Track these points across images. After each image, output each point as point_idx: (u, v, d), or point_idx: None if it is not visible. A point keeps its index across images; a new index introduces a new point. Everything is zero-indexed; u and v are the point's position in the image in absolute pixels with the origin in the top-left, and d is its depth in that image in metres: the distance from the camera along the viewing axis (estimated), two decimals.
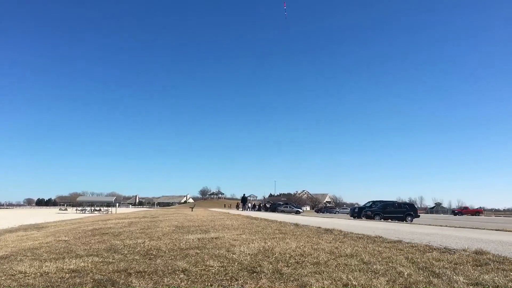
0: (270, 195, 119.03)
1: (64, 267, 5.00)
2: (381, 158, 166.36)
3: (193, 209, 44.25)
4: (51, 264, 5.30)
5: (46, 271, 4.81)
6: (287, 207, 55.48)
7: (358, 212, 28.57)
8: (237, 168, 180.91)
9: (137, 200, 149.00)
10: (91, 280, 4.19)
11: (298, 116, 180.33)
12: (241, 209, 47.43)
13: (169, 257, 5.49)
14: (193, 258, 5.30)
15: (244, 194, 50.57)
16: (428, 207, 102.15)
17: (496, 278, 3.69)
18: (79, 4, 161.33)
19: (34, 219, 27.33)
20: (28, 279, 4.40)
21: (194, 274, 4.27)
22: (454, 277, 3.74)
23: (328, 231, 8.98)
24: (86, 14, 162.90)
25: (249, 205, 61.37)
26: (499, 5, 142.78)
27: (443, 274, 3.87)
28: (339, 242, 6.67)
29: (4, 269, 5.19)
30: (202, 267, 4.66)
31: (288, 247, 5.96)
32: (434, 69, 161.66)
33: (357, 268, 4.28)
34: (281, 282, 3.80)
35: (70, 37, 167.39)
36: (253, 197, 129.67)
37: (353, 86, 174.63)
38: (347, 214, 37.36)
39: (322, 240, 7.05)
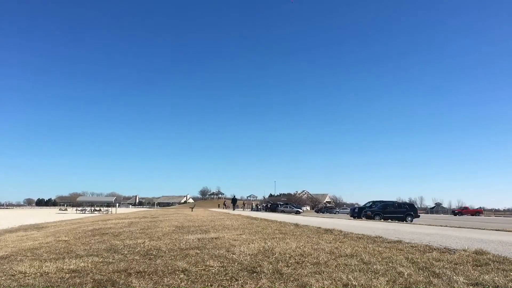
0: (270, 195, 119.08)
1: (64, 267, 5.00)
2: (381, 158, 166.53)
3: (193, 209, 44.30)
4: (51, 264, 5.31)
5: (46, 271, 4.81)
6: (287, 207, 55.49)
7: (358, 212, 28.57)
8: (237, 168, 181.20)
9: (137, 200, 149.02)
10: (91, 280, 4.19)
11: (298, 116, 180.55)
12: (231, 209, 51.02)
13: (169, 257, 5.49)
14: (193, 258, 5.30)
15: (234, 196, 58.29)
16: (428, 207, 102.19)
17: (496, 278, 3.69)
18: (79, 4, 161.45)
19: (34, 219, 27.33)
20: (28, 279, 4.40)
21: (194, 274, 4.28)
22: (454, 277, 3.74)
23: (328, 231, 8.98)
24: (86, 14, 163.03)
25: (243, 205, 63.79)
26: (499, 5, 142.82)
27: (443, 274, 3.87)
28: (339, 242, 6.67)
29: (4, 269, 5.19)
30: (202, 267, 4.66)
31: (288, 247, 5.96)
32: (434, 69, 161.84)
33: (357, 268, 4.28)
34: (281, 282, 3.80)
35: (70, 37, 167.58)
36: (253, 197, 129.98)
37: (353, 86, 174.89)
38: (347, 214, 37.36)
39: (322, 240, 7.05)
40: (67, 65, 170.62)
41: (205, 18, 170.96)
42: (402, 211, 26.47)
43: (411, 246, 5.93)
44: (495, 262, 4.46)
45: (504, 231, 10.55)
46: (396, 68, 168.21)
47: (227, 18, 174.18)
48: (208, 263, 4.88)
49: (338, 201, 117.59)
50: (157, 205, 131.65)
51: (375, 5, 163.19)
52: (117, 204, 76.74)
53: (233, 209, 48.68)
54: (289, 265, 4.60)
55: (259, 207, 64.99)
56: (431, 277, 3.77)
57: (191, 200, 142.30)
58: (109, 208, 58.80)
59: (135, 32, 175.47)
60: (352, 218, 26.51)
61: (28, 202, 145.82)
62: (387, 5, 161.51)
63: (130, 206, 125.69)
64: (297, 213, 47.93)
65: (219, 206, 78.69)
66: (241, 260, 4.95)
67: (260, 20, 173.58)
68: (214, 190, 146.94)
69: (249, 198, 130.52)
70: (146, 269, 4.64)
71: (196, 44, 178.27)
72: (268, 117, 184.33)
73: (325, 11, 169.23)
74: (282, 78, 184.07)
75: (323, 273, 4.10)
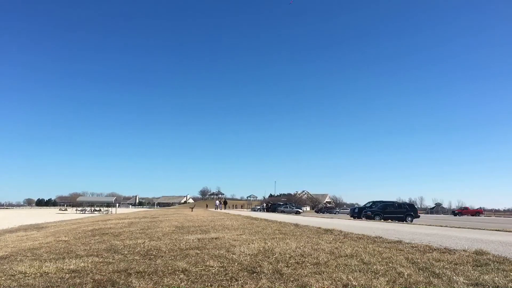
0: (270, 195, 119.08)
1: (64, 267, 5.01)
2: (381, 158, 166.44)
3: (193, 209, 44.34)
4: (51, 264, 5.31)
5: (46, 271, 4.81)
6: (287, 207, 55.51)
7: (358, 212, 28.55)
8: (237, 168, 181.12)
9: (137, 200, 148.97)
10: (91, 280, 4.19)
11: (298, 116, 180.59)
12: (218, 209, 55.51)
13: (169, 257, 5.49)
14: (193, 258, 5.31)
15: (225, 199, 70.13)
16: (428, 207, 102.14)
17: (496, 278, 3.69)
18: (80, 4, 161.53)
19: (34, 219, 27.34)
20: (28, 279, 4.40)
21: (194, 274, 4.28)
22: (454, 277, 3.74)
23: (328, 231, 8.98)
24: (86, 14, 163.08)
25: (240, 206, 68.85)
26: (499, 5, 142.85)
27: (443, 275, 3.87)
28: (339, 242, 6.67)
29: (4, 269, 5.19)
30: (202, 267, 4.66)
31: (288, 248, 5.96)
32: (434, 69, 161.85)
33: (357, 269, 4.28)
34: (281, 283, 3.80)
35: (70, 37, 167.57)
36: (253, 197, 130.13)
37: (353, 86, 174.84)
38: (347, 214, 37.33)
39: (322, 240, 7.05)
40: (67, 65, 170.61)
41: (205, 18, 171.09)
42: (402, 211, 26.47)
43: (411, 247, 5.93)
44: (495, 263, 4.46)
45: (504, 231, 10.54)
46: (396, 68, 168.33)
47: (227, 18, 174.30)
48: (208, 263, 4.88)
49: (338, 201, 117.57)
50: (157, 205, 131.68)
51: (375, 5, 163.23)
52: (117, 204, 76.71)
53: (224, 209, 52.80)
54: (289, 265, 4.60)
55: (259, 207, 65.44)
56: (431, 277, 3.77)
57: (191, 200, 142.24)
58: (109, 208, 58.84)
59: (136, 32, 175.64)
60: (352, 218, 26.51)
61: (28, 202, 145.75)
62: (387, 5, 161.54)
63: (130, 206, 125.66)
64: (297, 213, 47.94)
65: (207, 206, 78.29)
66: (241, 260, 4.95)
67: (260, 20, 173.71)
68: (214, 190, 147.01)
69: (249, 198, 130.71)
70: (146, 269, 4.64)
71: (196, 44, 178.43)
72: (268, 117, 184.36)
73: (326, 10, 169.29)
74: (282, 78, 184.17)
75: (323, 273, 4.11)
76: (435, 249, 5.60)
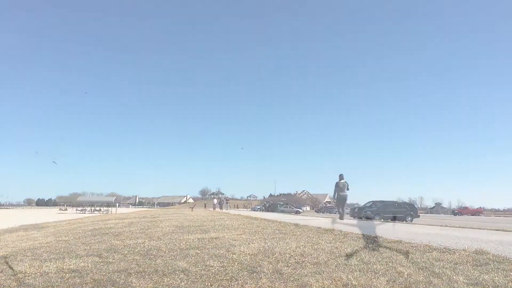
0: (270, 195, 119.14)
1: (64, 267, 5.01)
2: (381, 158, 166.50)
3: (193, 209, 44.42)
4: (51, 264, 5.31)
5: (46, 271, 4.82)
6: (287, 207, 55.65)
7: (358, 212, 28.60)
8: (237, 168, 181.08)
9: (137, 200, 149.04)
10: (91, 280, 4.20)
11: (298, 115, 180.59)
12: (217, 208, 55.70)
13: (169, 257, 5.50)
14: (193, 258, 5.31)
15: (220, 198, 71.63)
16: (428, 207, 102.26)
17: (496, 278, 3.69)
18: (81, 3, 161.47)
19: (34, 219, 27.35)
20: (28, 279, 4.41)
21: (194, 274, 4.28)
22: (454, 277, 3.75)
23: (328, 231, 8.97)
24: (86, 14, 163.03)
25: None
26: (499, 4, 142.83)
27: (443, 274, 3.88)
28: (339, 242, 6.67)
29: (4, 269, 5.19)
30: (202, 267, 4.66)
31: (288, 247, 5.97)
32: (435, 68, 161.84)
33: (357, 268, 4.28)
34: (281, 282, 3.81)
35: (71, 36, 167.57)
36: (253, 197, 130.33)
37: (353, 85, 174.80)
38: (347, 214, 37.32)
39: (322, 240, 7.05)
40: (67, 64, 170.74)
41: (205, 17, 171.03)
42: (402, 211, 26.53)
43: (411, 246, 5.93)
44: (495, 262, 4.46)
45: (504, 231, 10.54)
46: (395, 68, 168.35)
47: (227, 15, 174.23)
48: (208, 263, 4.88)
49: None
50: (157, 205, 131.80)
51: (375, 5, 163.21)
52: (117, 204, 76.73)
53: (221, 209, 52.13)
54: (289, 265, 4.61)
55: (259, 206, 65.46)
56: (431, 277, 3.77)
57: (191, 200, 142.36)
58: (109, 208, 58.87)
59: (135, 31, 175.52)
60: (352, 218, 26.52)
61: (28, 202, 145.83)
62: (387, 4, 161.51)
63: (130, 206, 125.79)
64: (297, 213, 48.02)
65: (205, 206, 78.37)
66: (241, 260, 4.96)
67: (259, 19, 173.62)
68: (214, 190, 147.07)
69: (249, 198, 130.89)
70: (146, 269, 4.64)
71: (195, 43, 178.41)
72: (268, 117, 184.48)
73: (325, 8, 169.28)
74: (281, 77, 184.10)
75: (323, 273, 4.11)
76: (435, 249, 5.60)
